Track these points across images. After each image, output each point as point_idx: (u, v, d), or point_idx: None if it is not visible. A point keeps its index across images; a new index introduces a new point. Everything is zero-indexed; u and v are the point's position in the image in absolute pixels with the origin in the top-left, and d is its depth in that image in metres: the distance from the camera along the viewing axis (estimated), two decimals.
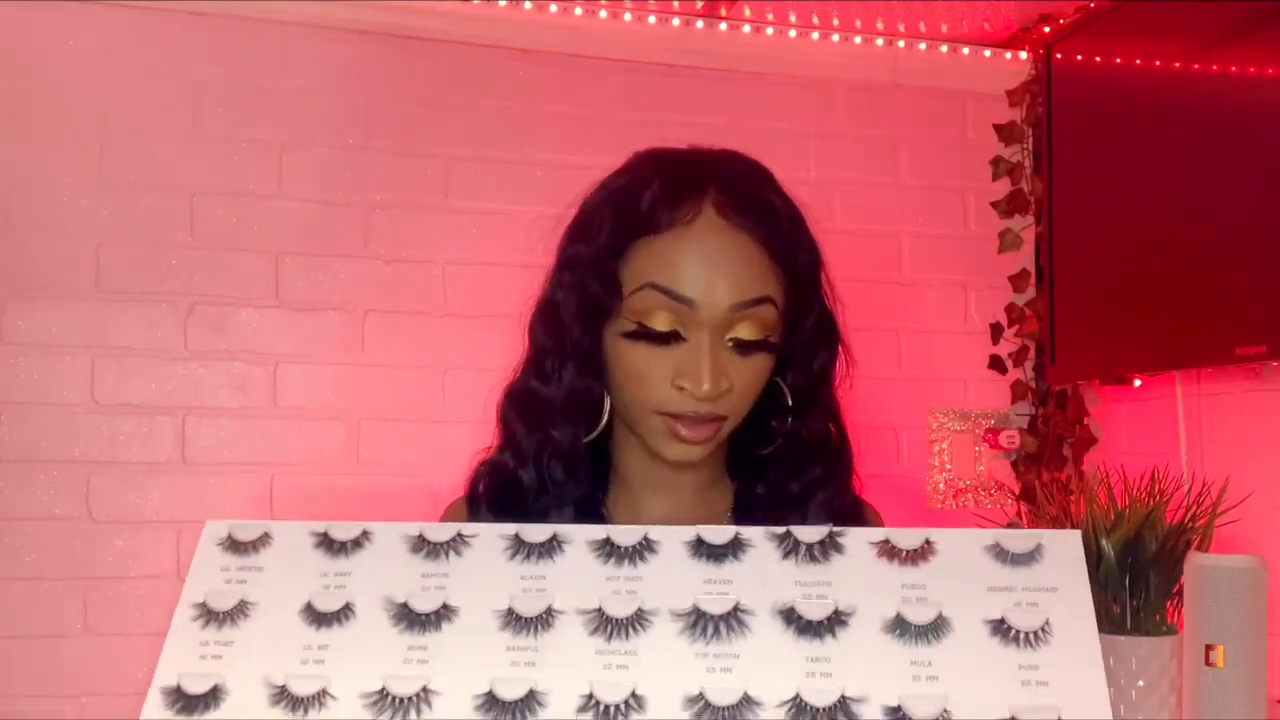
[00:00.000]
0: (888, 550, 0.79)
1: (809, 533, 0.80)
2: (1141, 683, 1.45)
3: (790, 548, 0.80)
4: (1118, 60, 2.19)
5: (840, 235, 2.41)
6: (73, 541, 2.03)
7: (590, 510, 1.02)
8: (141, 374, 2.09)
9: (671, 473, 1.02)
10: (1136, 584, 1.55)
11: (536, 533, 0.81)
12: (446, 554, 0.81)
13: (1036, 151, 2.46)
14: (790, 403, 1.02)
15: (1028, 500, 2.37)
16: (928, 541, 0.79)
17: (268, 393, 2.14)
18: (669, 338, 0.93)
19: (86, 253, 2.07)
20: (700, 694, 0.73)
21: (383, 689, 0.75)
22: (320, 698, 0.75)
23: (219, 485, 2.10)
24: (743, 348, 0.95)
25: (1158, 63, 2.08)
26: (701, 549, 0.80)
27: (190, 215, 2.12)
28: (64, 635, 2.02)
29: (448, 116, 2.25)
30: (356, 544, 0.82)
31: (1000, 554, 0.79)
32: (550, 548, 0.81)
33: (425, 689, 0.74)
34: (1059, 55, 2.31)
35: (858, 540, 0.80)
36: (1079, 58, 2.27)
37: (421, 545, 0.81)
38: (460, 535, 0.82)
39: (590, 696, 0.74)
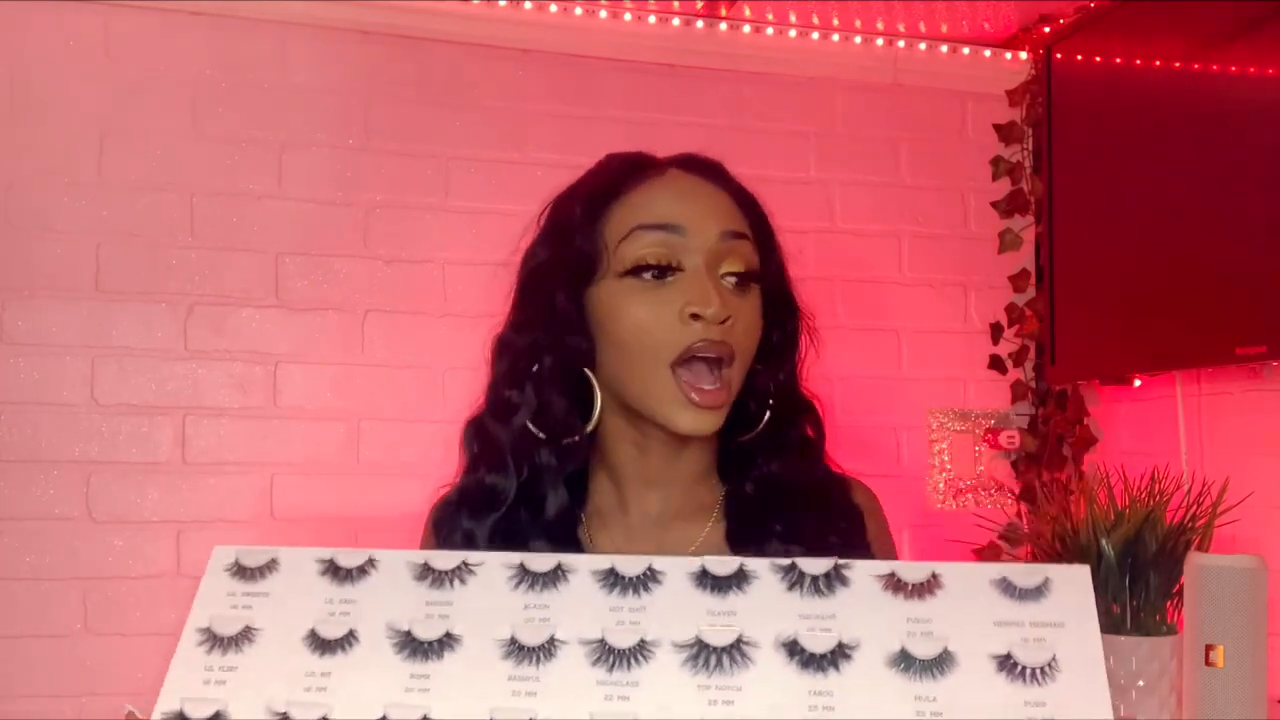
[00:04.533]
0: (893, 583, 0.78)
1: (814, 564, 0.79)
2: (1141, 683, 1.45)
3: (795, 580, 0.79)
4: (1118, 60, 2.19)
5: (840, 235, 2.43)
6: (73, 541, 2.03)
7: (574, 514, 1.01)
8: (141, 374, 2.09)
9: (664, 467, 1.01)
10: (1136, 584, 1.55)
11: (541, 562, 0.81)
12: (451, 582, 0.80)
13: (1036, 151, 2.46)
14: (762, 366, 1.01)
15: (1028, 500, 2.37)
16: (934, 575, 0.78)
17: (268, 393, 2.14)
18: (667, 270, 0.94)
19: (86, 253, 2.07)
20: None
21: (383, 717, 0.74)
22: None
23: (219, 485, 2.10)
24: (738, 280, 0.95)
25: (1158, 63, 2.08)
26: (706, 580, 0.79)
27: (190, 215, 2.12)
28: (64, 635, 2.02)
29: (448, 116, 2.25)
30: (362, 571, 0.81)
31: (1007, 588, 0.77)
32: (554, 577, 0.80)
33: (425, 718, 0.74)
34: (1059, 55, 2.31)
35: (863, 573, 0.78)
36: (1079, 58, 2.27)
37: (426, 573, 0.81)
38: (465, 564, 0.81)
39: None
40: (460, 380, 2.20)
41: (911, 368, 2.45)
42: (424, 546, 1.09)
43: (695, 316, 0.91)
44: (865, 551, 1.03)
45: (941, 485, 2.45)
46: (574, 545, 1.00)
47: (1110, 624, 1.56)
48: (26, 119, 2.06)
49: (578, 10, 2.29)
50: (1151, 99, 2.09)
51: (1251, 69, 1.89)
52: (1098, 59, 2.24)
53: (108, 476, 2.06)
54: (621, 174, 0.99)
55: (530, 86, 2.29)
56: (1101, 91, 2.23)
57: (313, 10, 2.17)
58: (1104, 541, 1.57)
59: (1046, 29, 2.40)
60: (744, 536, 1.00)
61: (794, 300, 1.05)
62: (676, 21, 2.34)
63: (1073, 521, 1.66)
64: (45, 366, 2.04)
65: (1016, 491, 2.45)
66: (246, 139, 2.15)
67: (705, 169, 1.00)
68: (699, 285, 0.92)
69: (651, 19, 2.33)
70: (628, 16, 2.32)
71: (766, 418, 1.01)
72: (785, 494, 1.00)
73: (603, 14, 2.30)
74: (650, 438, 0.99)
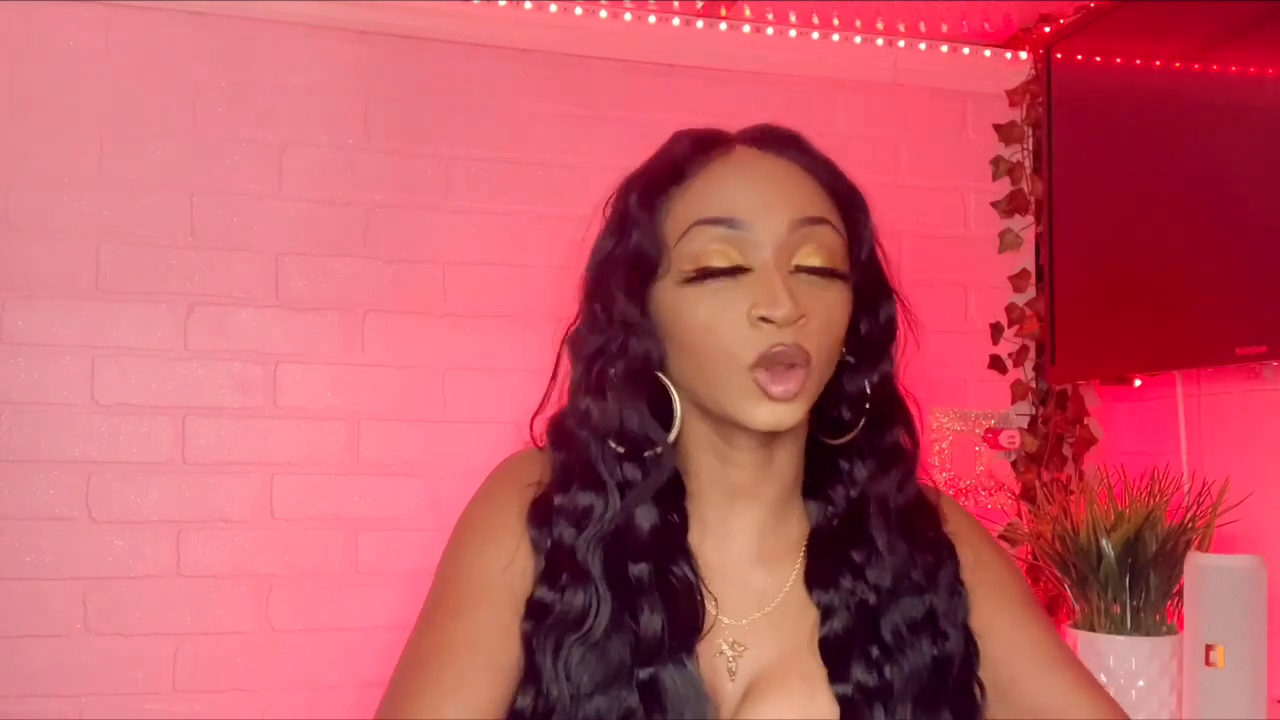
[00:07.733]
0: None
1: None
2: (1142, 683, 1.45)
3: None
4: (1118, 60, 2.19)
5: None
6: (73, 541, 2.03)
7: (675, 527, 0.91)
8: (141, 374, 2.08)
9: (750, 479, 0.92)
10: (1136, 584, 1.56)
11: None
12: None
13: (1036, 151, 2.46)
14: (855, 360, 0.94)
15: (1028, 500, 2.37)
16: None
17: (268, 393, 2.14)
18: (733, 272, 0.85)
19: (86, 253, 2.07)
20: None
21: None
22: None
23: (219, 485, 2.10)
24: (814, 274, 0.87)
25: (1158, 63, 2.08)
26: None
27: (190, 215, 2.12)
28: (64, 635, 2.01)
29: (448, 116, 2.25)
30: None
31: None
32: None
33: None
34: (1059, 55, 2.31)
35: None
36: (1079, 58, 2.27)
37: None
38: None
39: None
40: (460, 380, 2.20)
41: (912, 368, 2.45)
42: (494, 519, 0.93)
43: (764, 319, 0.84)
44: (950, 588, 0.94)
45: (941, 485, 2.45)
46: (685, 560, 0.90)
47: (1110, 624, 1.56)
48: (26, 119, 2.05)
49: (578, 10, 2.28)
50: (1151, 99, 2.09)
51: (1251, 69, 1.89)
52: (1098, 59, 2.24)
53: (108, 476, 2.06)
54: (683, 157, 0.89)
55: (530, 86, 2.29)
56: (1101, 91, 2.23)
57: (313, 10, 2.17)
58: (1104, 541, 1.57)
59: (1046, 29, 2.40)
60: (821, 576, 0.93)
61: (889, 284, 0.96)
62: (676, 21, 2.34)
63: (1073, 521, 1.66)
64: (45, 366, 2.04)
65: (1016, 491, 2.45)
66: (246, 139, 2.15)
67: (779, 143, 0.91)
68: (766, 285, 0.84)
69: (651, 19, 2.33)
70: (628, 16, 2.31)
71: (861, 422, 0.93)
72: (870, 518, 0.93)
73: (603, 14, 2.30)
74: (735, 445, 0.91)
